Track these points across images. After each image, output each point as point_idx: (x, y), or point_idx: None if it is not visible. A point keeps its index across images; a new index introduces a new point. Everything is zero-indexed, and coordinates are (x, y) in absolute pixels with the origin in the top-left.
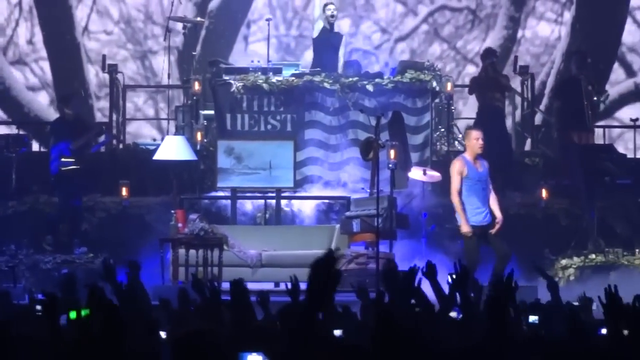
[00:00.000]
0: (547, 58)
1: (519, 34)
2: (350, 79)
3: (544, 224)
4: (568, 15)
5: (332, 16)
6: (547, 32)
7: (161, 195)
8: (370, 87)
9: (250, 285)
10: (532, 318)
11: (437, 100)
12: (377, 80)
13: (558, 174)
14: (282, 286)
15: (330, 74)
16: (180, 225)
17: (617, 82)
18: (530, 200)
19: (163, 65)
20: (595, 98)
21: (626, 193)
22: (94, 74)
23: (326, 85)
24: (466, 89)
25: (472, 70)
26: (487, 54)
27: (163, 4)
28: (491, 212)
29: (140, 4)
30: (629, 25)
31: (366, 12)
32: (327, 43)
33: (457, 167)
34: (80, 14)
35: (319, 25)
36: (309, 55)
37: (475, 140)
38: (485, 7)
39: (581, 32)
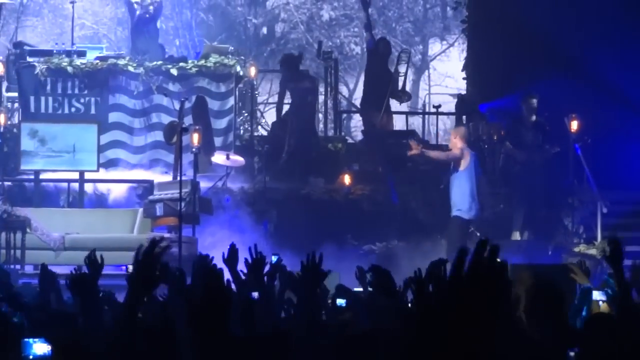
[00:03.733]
0: None
1: None
2: (155, 63)
3: (347, 209)
4: None
5: None
6: None
7: None
8: (174, 71)
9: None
10: (340, 301)
11: (240, 85)
12: (181, 64)
13: (361, 159)
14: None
15: (134, 57)
16: None
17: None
18: (333, 186)
19: None
20: (400, 93)
21: (428, 179)
22: None
23: (130, 68)
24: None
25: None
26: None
27: None
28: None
29: None
30: None
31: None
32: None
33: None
34: None
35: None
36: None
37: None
38: None
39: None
